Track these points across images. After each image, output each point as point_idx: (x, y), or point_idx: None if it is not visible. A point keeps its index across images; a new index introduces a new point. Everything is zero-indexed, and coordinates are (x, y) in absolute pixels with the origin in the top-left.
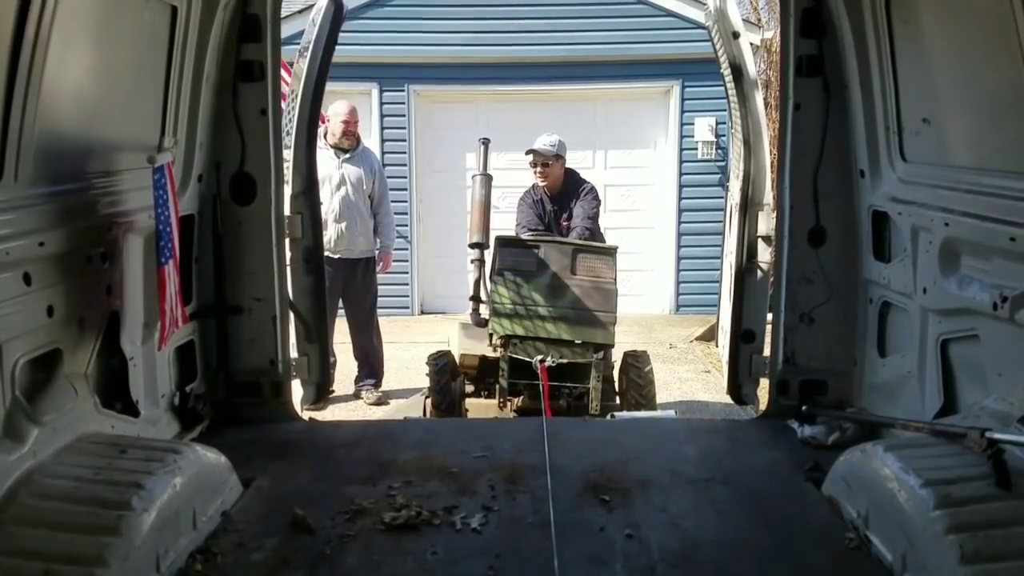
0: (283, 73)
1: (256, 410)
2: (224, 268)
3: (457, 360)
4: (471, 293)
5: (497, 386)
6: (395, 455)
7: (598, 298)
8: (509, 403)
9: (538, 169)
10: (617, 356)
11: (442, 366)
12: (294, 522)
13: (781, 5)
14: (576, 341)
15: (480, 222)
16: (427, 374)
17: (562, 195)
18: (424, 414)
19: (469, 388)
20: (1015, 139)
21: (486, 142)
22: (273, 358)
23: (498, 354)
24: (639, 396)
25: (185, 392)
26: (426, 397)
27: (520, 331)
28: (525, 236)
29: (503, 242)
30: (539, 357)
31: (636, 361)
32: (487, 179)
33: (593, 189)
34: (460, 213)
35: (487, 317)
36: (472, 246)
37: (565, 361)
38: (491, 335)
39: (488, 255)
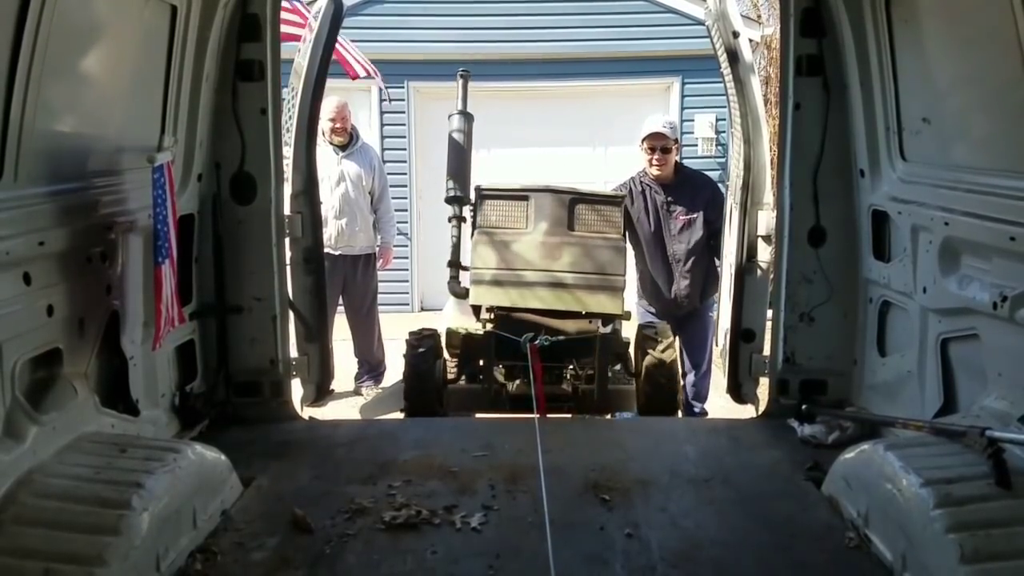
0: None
1: (256, 410)
2: (224, 267)
3: (443, 339)
4: (449, 258)
5: (485, 371)
6: (395, 454)
7: (603, 258)
8: (501, 389)
9: (656, 156)
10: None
11: (425, 347)
12: (294, 522)
13: (781, 5)
14: (580, 311)
15: (459, 171)
16: (404, 354)
17: (676, 186)
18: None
19: (453, 373)
20: (1015, 139)
21: (465, 74)
22: (273, 357)
23: (485, 330)
24: (660, 375)
25: (185, 391)
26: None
27: (507, 301)
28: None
29: (485, 194)
30: (528, 335)
31: (654, 335)
32: (467, 118)
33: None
34: None
35: (468, 287)
36: (449, 201)
37: (562, 338)
38: (476, 308)
39: (470, 211)
